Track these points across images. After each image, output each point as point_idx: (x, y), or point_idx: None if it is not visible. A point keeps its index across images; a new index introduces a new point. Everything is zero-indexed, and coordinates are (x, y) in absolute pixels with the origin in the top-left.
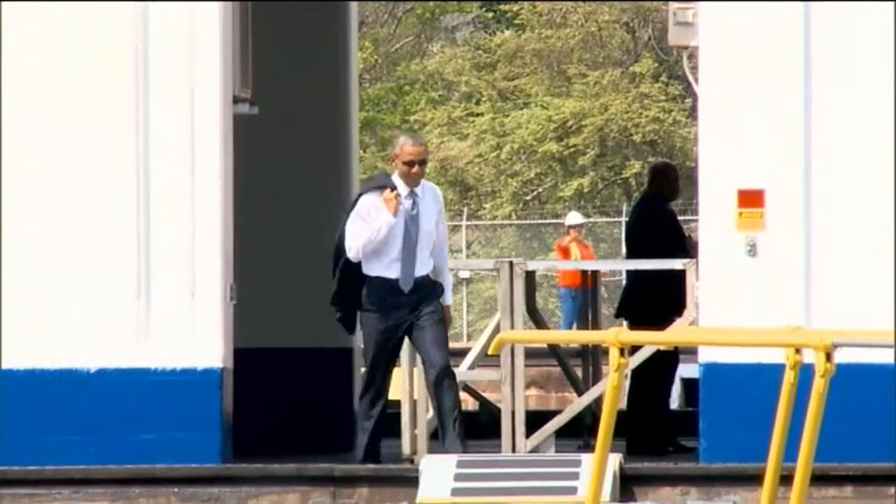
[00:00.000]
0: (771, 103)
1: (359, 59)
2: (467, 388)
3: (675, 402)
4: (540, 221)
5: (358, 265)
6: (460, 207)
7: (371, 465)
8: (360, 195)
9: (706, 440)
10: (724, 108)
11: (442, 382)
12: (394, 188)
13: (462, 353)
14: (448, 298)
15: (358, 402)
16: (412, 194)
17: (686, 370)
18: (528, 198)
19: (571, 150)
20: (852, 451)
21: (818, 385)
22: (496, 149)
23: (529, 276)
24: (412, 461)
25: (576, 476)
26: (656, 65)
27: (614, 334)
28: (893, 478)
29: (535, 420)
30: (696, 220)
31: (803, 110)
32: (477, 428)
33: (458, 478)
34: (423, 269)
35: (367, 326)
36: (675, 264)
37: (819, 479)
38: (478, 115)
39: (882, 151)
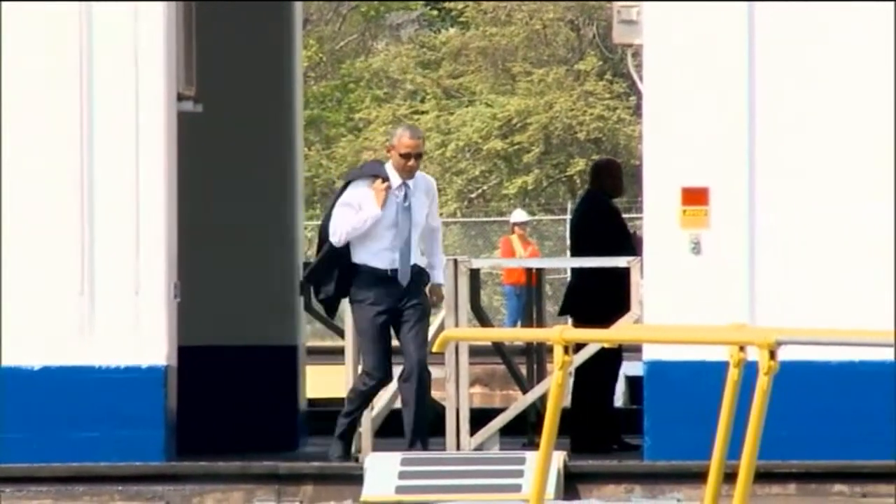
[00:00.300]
0: (715, 102)
1: (303, 57)
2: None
3: (619, 399)
4: (485, 219)
5: (345, 250)
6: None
7: (315, 464)
8: (349, 181)
9: (650, 438)
10: (668, 106)
11: (410, 378)
12: (385, 179)
13: None
14: (440, 277)
15: (356, 384)
16: (404, 186)
17: (630, 368)
18: (472, 195)
19: (516, 147)
20: (796, 448)
21: (762, 383)
22: (441, 146)
23: (474, 274)
24: (357, 459)
25: (520, 474)
26: (601, 63)
27: (559, 332)
28: (836, 475)
29: (480, 418)
30: (640, 218)
31: (747, 109)
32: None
33: (402, 475)
34: (412, 259)
35: (359, 316)
36: (620, 262)
37: (763, 476)
38: (423, 112)
39: (826, 149)
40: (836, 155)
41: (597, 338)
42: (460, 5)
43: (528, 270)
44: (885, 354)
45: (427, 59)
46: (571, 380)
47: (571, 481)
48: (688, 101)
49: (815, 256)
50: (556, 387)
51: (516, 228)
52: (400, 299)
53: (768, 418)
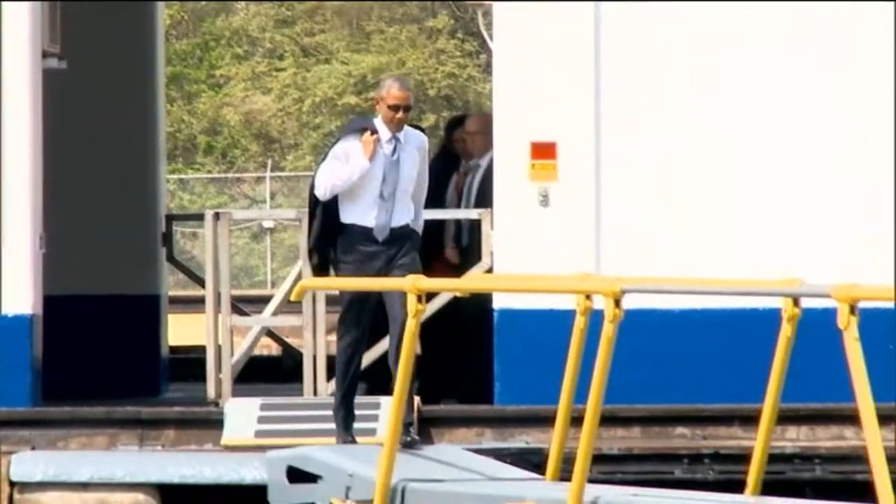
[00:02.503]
0: (563, 59)
1: (165, 16)
2: (270, 334)
3: None
4: None
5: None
6: (264, 159)
7: (177, 409)
8: (338, 138)
9: (500, 383)
10: (517, 63)
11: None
12: (374, 131)
13: (265, 299)
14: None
15: (337, 353)
16: (394, 139)
17: None
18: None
19: (370, 103)
20: (640, 393)
21: (607, 330)
22: (298, 102)
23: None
24: (217, 404)
25: (375, 418)
26: (452, 21)
27: (412, 282)
28: (678, 418)
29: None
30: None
31: (594, 66)
32: (280, 372)
33: (261, 420)
34: (402, 217)
35: (341, 276)
36: (471, 214)
37: (608, 420)
38: (281, 70)
39: (669, 104)
40: (678, 109)
41: (448, 287)
42: None
43: None
44: (725, 302)
45: (285, 18)
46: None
47: (424, 426)
48: (536, 59)
49: (659, 208)
50: (409, 334)
51: None
52: (388, 262)
53: (613, 364)
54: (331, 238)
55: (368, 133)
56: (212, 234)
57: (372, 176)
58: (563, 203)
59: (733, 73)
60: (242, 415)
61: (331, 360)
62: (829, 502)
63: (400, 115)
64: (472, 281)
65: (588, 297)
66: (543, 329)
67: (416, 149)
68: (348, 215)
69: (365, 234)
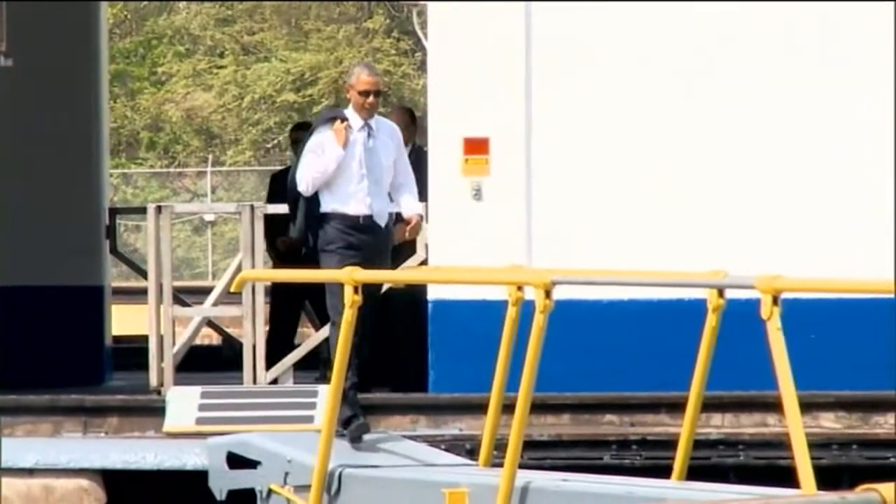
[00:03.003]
0: (495, 57)
1: (109, 15)
2: (211, 324)
3: None
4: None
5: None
6: (205, 154)
7: (119, 397)
8: (311, 132)
9: (435, 372)
10: (451, 61)
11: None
12: (344, 119)
13: (206, 291)
14: (416, 207)
15: (332, 349)
16: (366, 126)
17: None
18: (268, 145)
19: (308, 100)
20: (570, 381)
21: (538, 320)
22: (238, 99)
23: (269, 219)
24: (159, 392)
25: (313, 406)
26: (388, 21)
27: (349, 273)
28: (607, 406)
29: (276, 354)
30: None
31: (525, 64)
32: (220, 361)
33: (201, 408)
34: (380, 205)
35: (327, 265)
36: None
37: (538, 407)
38: (221, 67)
39: (599, 100)
40: (607, 106)
41: (384, 278)
42: None
43: None
44: (652, 293)
45: (225, 17)
46: None
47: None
48: (469, 57)
49: (589, 202)
50: (345, 324)
51: None
52: (374, 249)
53: (544, 353)
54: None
55: (339, 121)
56: (154, 227)
57: (347, 163)
58: (496, 197)
59: (661, 69)
60: (184, 403)
61: (269, 350)
62: (753, 487)
63: (371, 99)
64: (407, 273)
65: (519, 288)
66: (476, 319)
67: (389, 137)
68: (328, 203)
69: (348, 222)
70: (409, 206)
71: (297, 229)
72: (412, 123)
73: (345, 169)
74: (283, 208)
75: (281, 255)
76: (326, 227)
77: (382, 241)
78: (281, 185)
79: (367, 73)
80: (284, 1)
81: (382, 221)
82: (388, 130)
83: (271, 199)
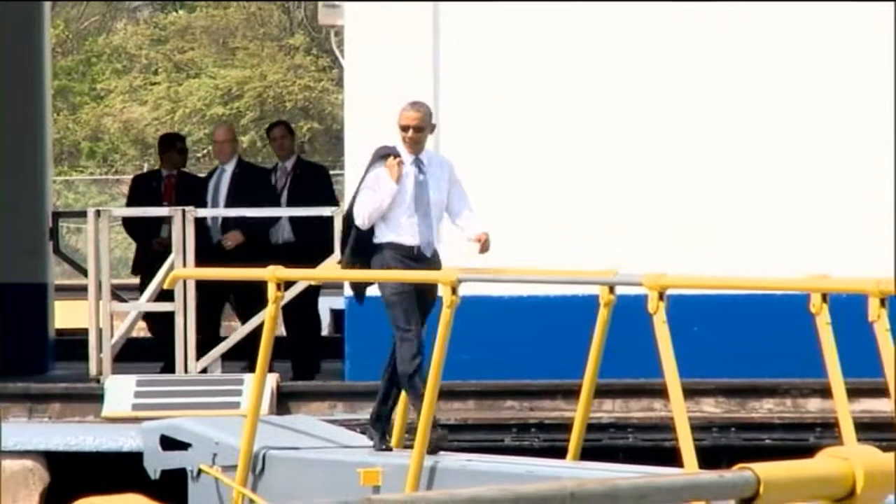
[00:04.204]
0: (405, 73)
1: (52, 35)
2: (146, 318)
3: (325, 330)
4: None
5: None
6: (141, 163)
7: (62, 385)
8: (367, 168)
9: (350, 362)
10: (366, 77)
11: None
12: (396, 156)
13: (142, 287)
14: (479, 226)
15: (399, 362)
16: (417, 162)
17: (335, 302)
18: (199, 154)
19: (235, 112)
20: (475, 370)
21: (445, 315)
22: (171, 112)
23: (200, 221)
24: (98, 381)
25: (239, 393)
26: (308, 40)
27: (272, 271)
28: (508, 392)
29: (205, 345)
30: (342, 174)
31: (433, 79)
32: (154, 352)
33: (137, 395)
34: (431, 237)
35: (387, 294)
36: (325, 211)
37: (446, 394)
38: (155, 83)
39: (502, 109)
40: (510, 114)
41: (305, 276)
42: None
43: None
44: (549, 290)
45: (159, 37)
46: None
47: (283, 399)
48: (382, 73)
49: (491, 205)
50: (269, 319)
51: None
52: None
53: (451, 345)
54: (364, 254)
55: (391, 157)
56: (94, 230)
57: (401, 196)
58: None
59: (565, 79)
60: (121, 390)
61: (198, 341)
62: (641, 467)
63: (410, 134)
64: (325, 271)
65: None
66: None
67: (440, 170)
68: (383, 234)
69: (400, 252)
70: (472, 226)
71: (345, 259)
72: (289, 135)
73: (399, 202)
74: (210, 212)
75: (156, 254)
76: (381, 256)
77: (430, 268)
78: (143, 188)
79: (408, 109)
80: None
81: (429, 252)
82: (438, 163)
83: (132, 201)
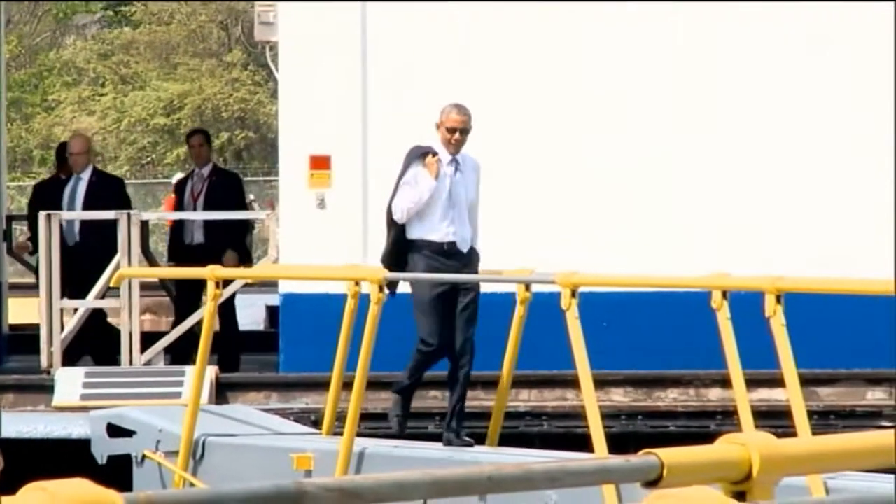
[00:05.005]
0: (336, 86)
1: (6, 51)
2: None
3: (261, 324)
4: (152, 181)
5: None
6: None
7: (15, 376)
8: (405, 166)
9: (284, 355)
10: (299, 90)
11: (463, 355)
12: (435, 154)
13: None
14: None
15: (413, 358)
16: (454, 161)
17: (270, 299)
18: (143, 162)
19: (176, 123)
20: (404, 362)
21: (373, 311)
22: (117, 122)
23: (144, 225)
24: (49, 373)
25: (181, 384)
26: (245, 56)
27: (210, 270)
28: (432, 383)
29: (149, 340)
30: (276, 180)
31: (361, 91)
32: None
33: (85, 385)
34: (465, 233)
35: (416, 288)
36: (260, 215)
37: (373, 384)
38: (102, 95)
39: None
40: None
41: (241, 275)
42: (133, 8)
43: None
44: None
45: (106, 52)
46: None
47: (222, 390)
48: (314, 87)
49: None
50: (208, 315)
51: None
52: (458, 273)
53: (378, 338)
54: (402, 253)
55: (430, 156)
56: (45, 232)
57: (438, 194)
58: (337, 205)
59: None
60: (70, 381)
61: (144, 336)
62: (554, 452)
63: (457, 136)
64: (261, 270)
65: (357, 283)
66: (320, 310)
67: (473, 170)
68: (416, 231)
69: (434, 248)
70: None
71: (383, 255)
72: (207, 143)
73: (435, 200)
74: (153, 215)
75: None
76: (415, 253)
77: (466, 264)
78: (46, 194)
79: (456, 112)
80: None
81: (465, 247)
82: (472, 165)
83: (36, 205)
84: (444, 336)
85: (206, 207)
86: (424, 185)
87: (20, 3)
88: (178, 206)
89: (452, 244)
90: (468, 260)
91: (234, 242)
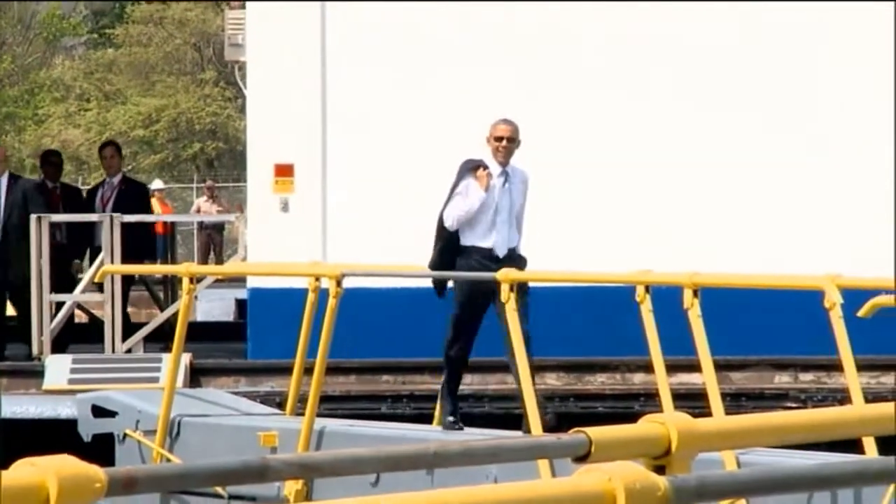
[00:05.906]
0: (298, 102)
1: (0, 69)
2: (80, 307)
3: (231, 316)
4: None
5: (455, 239)
6: (75, 177)
7: (7, 362)
8: (458, 178)
9: (252, 343)
10: (265, 105)
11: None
12: (486, 167)
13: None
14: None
15: (446, 353)
16: (504, 173)
17: (239, 293)
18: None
19: (154, 134)
20: (356, 350)
21: (331, 304)
22: (100, 134)
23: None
24: (39, 359)
25: (158, 370)
26: (216, 74)
27: (185, 267)
28: (384, 369)
29: (130, 330)
30: (245, 186)
31: (321, 106)
32: (87, 335)
33: (73, 371)
34: (513, 240)
35: (460, 290)
36: (230, 217)
37: (332, 370)
38: (87, 110)
39: (378, 135)
40: (385, 142)
41: (214, 271)
42: (116, 31)
43: (165, 224)
44: (418, 283)
45: (92, 70)
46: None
47: (196, 375)
48: (279, 103)
49: (372, 212)
50: (183, 308)
51: (156, 193)
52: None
53: (336, 328)
54: (450, 260)
55: (481, 168)
56: (36, 232)
57: (488, 204)
58: (299, 209)
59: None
60: (59, 367)
61: (125, 326)
62: (494, 431)
63: (504, 143)
64: (232, 266)
65: (317, 278)
66: (284, 303)
67: (521, 181)
68: (467, 238)
69: (483, 253)
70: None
71: (431, 261)
72: (118, 154)
73: (485, 209)
74: (134, 218)
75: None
76: (465, 258)
77: (513, 267)
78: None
79: (503, 123)
80: (139, 26)
81: (513, 255)
82: (521, 175)
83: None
84: (463, 344)
85: (116, 212)
86: (474, 195)
87: (13, 28)
88: (91, 210)
89: (501, 250)
90: (514, 264)
91: (140, 244)
